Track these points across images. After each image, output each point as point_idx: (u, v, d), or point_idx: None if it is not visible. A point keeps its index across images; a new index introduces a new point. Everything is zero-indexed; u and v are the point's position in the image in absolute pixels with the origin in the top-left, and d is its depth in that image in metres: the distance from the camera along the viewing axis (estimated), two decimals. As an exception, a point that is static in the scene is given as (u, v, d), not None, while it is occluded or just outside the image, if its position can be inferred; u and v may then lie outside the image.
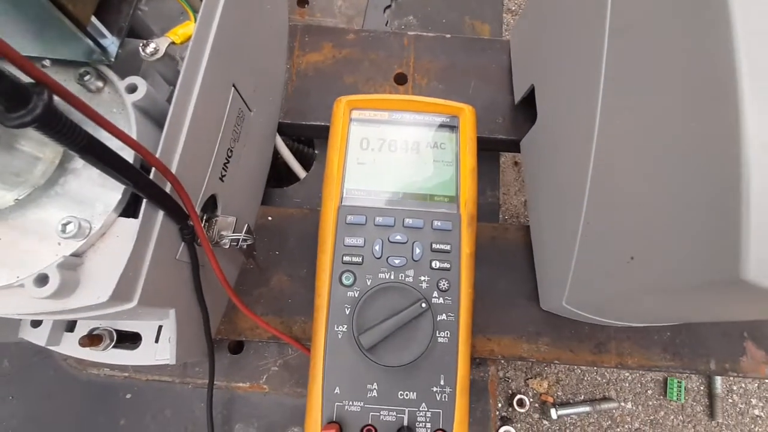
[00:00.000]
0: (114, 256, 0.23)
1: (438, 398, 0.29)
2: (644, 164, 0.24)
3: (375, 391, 0.29)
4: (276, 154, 0.45)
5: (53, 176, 0.23)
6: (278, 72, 0.44)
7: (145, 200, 0.23)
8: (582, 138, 0.29)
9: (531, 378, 0.68)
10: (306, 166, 0.47)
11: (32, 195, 0.23)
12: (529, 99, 0.42)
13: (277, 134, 0.44)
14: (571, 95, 0.32)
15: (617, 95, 0.26)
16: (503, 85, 0.46)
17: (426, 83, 0.46)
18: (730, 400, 0.68)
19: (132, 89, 0.25)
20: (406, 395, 0.29)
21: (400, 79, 0.46)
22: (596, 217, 0.28)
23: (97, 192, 0.24)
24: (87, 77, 0.25)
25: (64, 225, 0.22)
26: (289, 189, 0.46)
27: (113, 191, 0.24)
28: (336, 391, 0.29)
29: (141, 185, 0.22)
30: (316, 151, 0.47)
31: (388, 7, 0.54)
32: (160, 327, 0.35)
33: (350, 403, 0.29)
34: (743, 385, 0.69)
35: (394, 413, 0.29)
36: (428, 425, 0.29)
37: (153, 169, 0.23)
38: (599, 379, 0.68)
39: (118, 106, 0.25)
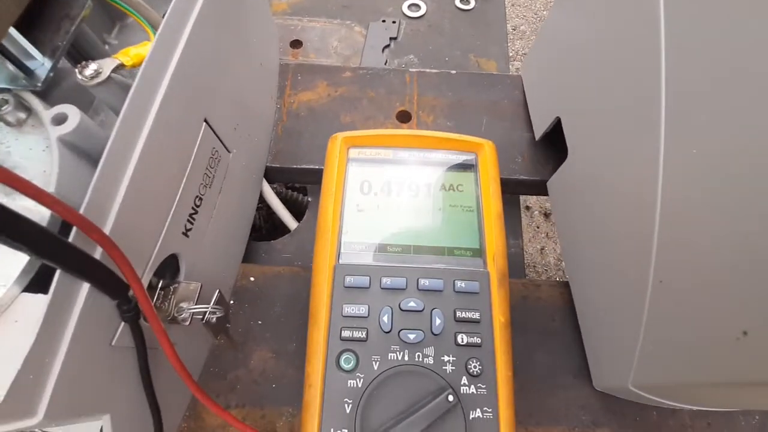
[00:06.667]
0: (7, 352, 0.16)
1: None
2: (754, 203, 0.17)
3: None
4: (261, 202, 0.39)
5: (-67, 237, 0.17)
6: (266, 110, 0.39)
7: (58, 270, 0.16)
8: (639, 172, 0.23)
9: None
10: (297, 216, 0.41)
11: None
12: (553, 134, 0.36)
13: (264, 180, 0.39)
14: (614, 123, 0.26)
15: (684, 118, 0.21)
16: (519, 121, 0.42)
17: (432, 120, 0.41)
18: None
19: (60, 120, 0.19)
20: None
21: (404, 117, 0.42)
22: (674, 274, 0.22)
23: (-4, 257, 0.17)
24: (4, 107, 0.19)
25: (-69, 309, 0.15)
26: (277, 242, 0.39)
27: (16, 255, 0.17)
28: None
29: (48, 250, 0.15)
30: (309, 198, 0.41)
31: (387, 46, 0.51)
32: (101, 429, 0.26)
33: None
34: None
35: None
36: None
37: (74, 227, 0.17)
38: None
39: (42, 144, 0.19)
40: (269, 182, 0.39)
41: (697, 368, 0.21)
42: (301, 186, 0.45)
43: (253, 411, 0.30)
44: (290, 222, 0.40)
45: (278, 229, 0.46)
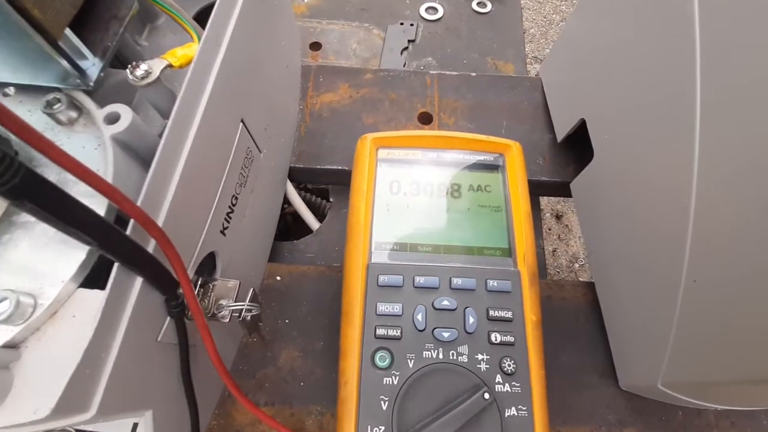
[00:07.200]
0: (65, 347, 0.16)
1: None
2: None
3: None
4: (284, 203, 0.39)
5: (-7, 233, 0.17)
6: (290, 111, 0.39)
7: (116, 264, 0.17)
8: (673, 172, 0.24)
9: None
10: (318, 218, 0.41)
11: (-42, 260, 0.17)
12: (575, 135, 0.37)
13: (288, 181, 0.39)
14: (646, 124, 0.27)
15: (719, 117, 0.21)
16: (539, 123, 0.42)
17: (453, 122, 0.42)
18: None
19: (113, 119, 0.19)
20: None
21: (425, 119, 0.42)
22: (709, 274, 0.22)
23: (52, 253, 0.18)
24: (56, 105, 0.19)
25: (-4, 303, 0.16)
26: (300, 242, 0.39)
27: (75, 250, 0.18)
28: None
29: (110, 243, 0.15)
30: (332, 200, 0.42)
31: (405, 48, 0.52)
32: (135, 425, 0.27)
33: None
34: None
35: None
36: None
37: (132, 221, 0.17)
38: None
39: (94, 142, 0.20)
40: (292, 182, 0.40)
41: (728, 366, 0.22)
42: (314, 188, 0.45)
43: (282, 409, 0.30)
44: (312, 222, 0.40)
45: (290, 229, 0.46)
